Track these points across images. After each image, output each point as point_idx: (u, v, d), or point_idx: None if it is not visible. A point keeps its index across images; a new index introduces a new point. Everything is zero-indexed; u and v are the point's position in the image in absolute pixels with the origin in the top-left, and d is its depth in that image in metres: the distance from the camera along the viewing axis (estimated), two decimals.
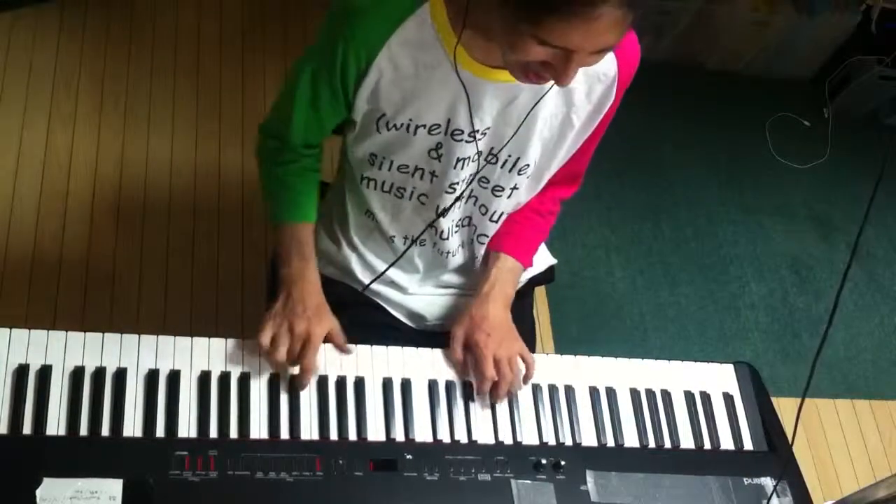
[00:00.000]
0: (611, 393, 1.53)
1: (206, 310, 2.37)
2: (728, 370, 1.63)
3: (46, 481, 1.21)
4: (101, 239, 2.41)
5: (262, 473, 1.30)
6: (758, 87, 3.29)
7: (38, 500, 1.20)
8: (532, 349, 1.74)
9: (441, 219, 1.51)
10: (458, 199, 1.48)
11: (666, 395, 1.56)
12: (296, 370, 1.40)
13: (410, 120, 1.35)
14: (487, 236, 1.58)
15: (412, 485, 1.35)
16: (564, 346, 2.58)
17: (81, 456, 1.26)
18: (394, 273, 1.62)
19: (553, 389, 1.51)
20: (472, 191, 1.49)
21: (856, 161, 3.18)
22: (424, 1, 1.25)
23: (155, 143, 2.58)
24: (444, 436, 1.42)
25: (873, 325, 2.92)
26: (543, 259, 1.74)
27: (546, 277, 1.78)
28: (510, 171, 1.45)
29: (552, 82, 1.21)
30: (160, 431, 1.31)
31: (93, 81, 2.64)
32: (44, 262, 2.34)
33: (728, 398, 1.59)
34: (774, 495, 1.47)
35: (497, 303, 1.54)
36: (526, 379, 1.49)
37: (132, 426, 1.30)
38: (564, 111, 1.40)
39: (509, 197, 1.50)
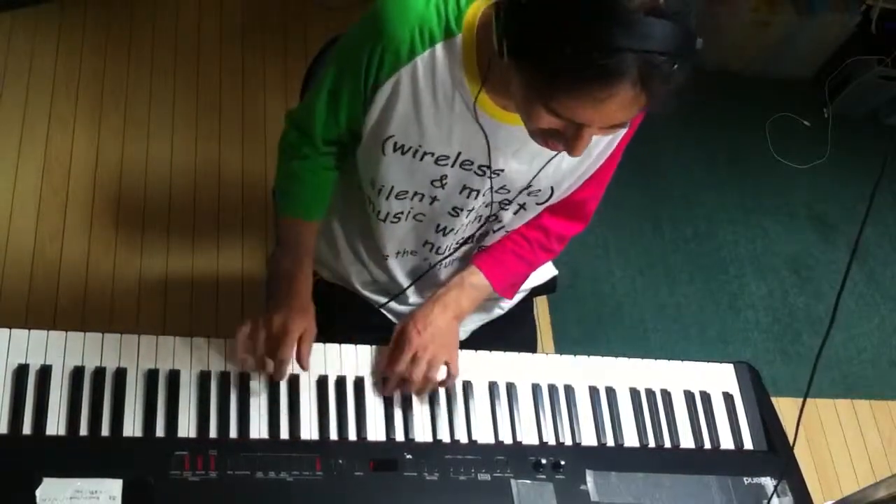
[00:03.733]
0: (611, 393, 1.53)
1: (206, 310, 2.38)
2: (728, 370, 1.63)
3: (46, 481, 1.21)
4: (100, 239, 2.41)
5: (262, 473, 1.30)
6: (758, 87, 3.29)
7: (38, 500, 1.20)
8: (533, 351, 1.74)
9: (442, 237, 1.50)
10: (479, 228, 1.47)
11: (666, 395, 1.56)
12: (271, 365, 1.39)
13: (420, 146, 1.32)
14: (485, 245, 1.56)
15: (412, 485, 1.35)
16: (564, 346, 2.58)
17: (81, 456, 1.25)
18: (391, 285, 1.62)
19: (553, 389, 1.51)
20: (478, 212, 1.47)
21: (856, 161, 3.18)
22: (458, 32, 1.22)
23: (155, 143, 2.58)
24: (444, 436, 1.42)
25: (873, 325, 2.93)
26: (546, 270, 1.72)
27: (547, 288, 1.77)
28: (520, 192, 1.43)
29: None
30: (160, 431, 1.31)
31: (93, 81, 2.64)
32: (44, 262, 2.34)
33: (728, 398, 1.59)
34: (774, 495, 1.47)
35: (446, 309, 1.49)
36: (443, 383, 1.44)
37: (132, 426, 1.30)
38: None
39: (516, 213, 1.48)
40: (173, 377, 1.36)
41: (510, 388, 1.49)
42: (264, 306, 1.46)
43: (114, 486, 1.23)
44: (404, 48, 1.23)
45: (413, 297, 1.63)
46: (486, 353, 1.53)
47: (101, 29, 2.73)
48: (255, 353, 1.37)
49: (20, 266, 2.32)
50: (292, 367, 1.41)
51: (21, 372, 1.30)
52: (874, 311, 2.96)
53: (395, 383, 1.43)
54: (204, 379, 1.37)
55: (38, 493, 1.20)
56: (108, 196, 2.48)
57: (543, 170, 1.37)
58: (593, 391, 1.53)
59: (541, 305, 2.60)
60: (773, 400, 1.64)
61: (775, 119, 3.21)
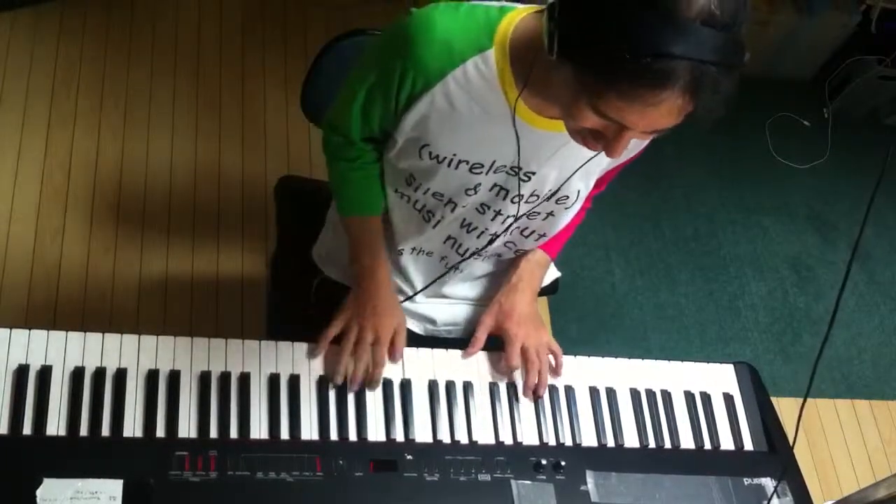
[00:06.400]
0: (611, 393, 1.53)
1: (206, 310, 2.37)
2: (728, 370, 1.63)
3: (46, 481, 1.21)
4: (100, 239, 2.41)
5: (262, 473, 1.30)
6: (758, 87, 3.29)
7: (38, 500, 1.20)
8: None
9: (466, 233, 1.51)
10: (504, 230, 1.49)
11: (666, 395, 1.56)
12: (351, 367, 1.43)
13: (454, 155, 1.35)
14: (519, 248, 1.58)
15: (412, 485, 1.35)
16: (564, 346, 2.53)
17: (81, 456, 1.26)
18: (399, 280, 1.62)
19: (553, 389, 1.51)
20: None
21: (856, 161, 3.18)
22: (489, 47, 1.24)
23: (155, 143, 2.58)
24: (444, 436, 1.42)
25: (873, 326, 2.93)
26: (549, 273, 1.73)
27: (550, 289, 1.78)
28: (548, 200, 1.45)
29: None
30: (160, 431, 1.31)
31: (93, 81, 2.64)
32: (44, 262, 2.34)
33: (728, 398, 1.59)
34: (774, 496, 1.47)
35: (525, 294, 1.57)
36: (555, 370, 1.52)
37: (132, 426, 1.30)
38: None
39: (545, 219, 1.51)
40: (173, 377, 1.36)
41: (511, 388, 1.49)
42: (351, 301, 1.50)
43: (114, 487, 1.23)
44: (433, 70, 1.25)
45: (421, 298, 1.64)
46: (487, 353, 1.53)
47: (102, 29, 2.73)
48: (355, 365, 1.42)
49: (20, 266, 2.32)
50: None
51: (21, 372, 1.30)
52: (874, 312, 2.96)
53: (519, 377, 1.49)
54: (204, 379, 1.37)
55: (38, 493, 1.20)
56: (108, 196, 2.48)
57: (573, 175, 1.39)
58: (593, 391, 1.53)
59: (541, 305, 2.59)
60: (773, 400, 1.64)
61: (775, 119, 3.21)
